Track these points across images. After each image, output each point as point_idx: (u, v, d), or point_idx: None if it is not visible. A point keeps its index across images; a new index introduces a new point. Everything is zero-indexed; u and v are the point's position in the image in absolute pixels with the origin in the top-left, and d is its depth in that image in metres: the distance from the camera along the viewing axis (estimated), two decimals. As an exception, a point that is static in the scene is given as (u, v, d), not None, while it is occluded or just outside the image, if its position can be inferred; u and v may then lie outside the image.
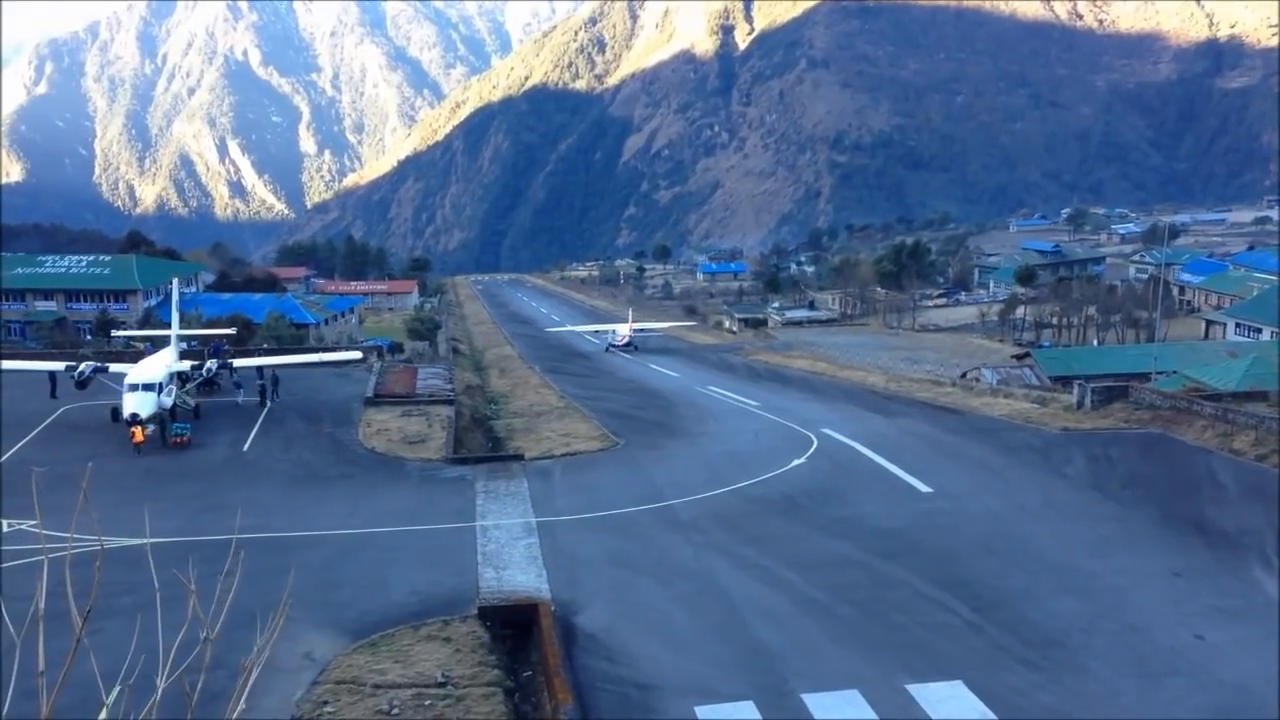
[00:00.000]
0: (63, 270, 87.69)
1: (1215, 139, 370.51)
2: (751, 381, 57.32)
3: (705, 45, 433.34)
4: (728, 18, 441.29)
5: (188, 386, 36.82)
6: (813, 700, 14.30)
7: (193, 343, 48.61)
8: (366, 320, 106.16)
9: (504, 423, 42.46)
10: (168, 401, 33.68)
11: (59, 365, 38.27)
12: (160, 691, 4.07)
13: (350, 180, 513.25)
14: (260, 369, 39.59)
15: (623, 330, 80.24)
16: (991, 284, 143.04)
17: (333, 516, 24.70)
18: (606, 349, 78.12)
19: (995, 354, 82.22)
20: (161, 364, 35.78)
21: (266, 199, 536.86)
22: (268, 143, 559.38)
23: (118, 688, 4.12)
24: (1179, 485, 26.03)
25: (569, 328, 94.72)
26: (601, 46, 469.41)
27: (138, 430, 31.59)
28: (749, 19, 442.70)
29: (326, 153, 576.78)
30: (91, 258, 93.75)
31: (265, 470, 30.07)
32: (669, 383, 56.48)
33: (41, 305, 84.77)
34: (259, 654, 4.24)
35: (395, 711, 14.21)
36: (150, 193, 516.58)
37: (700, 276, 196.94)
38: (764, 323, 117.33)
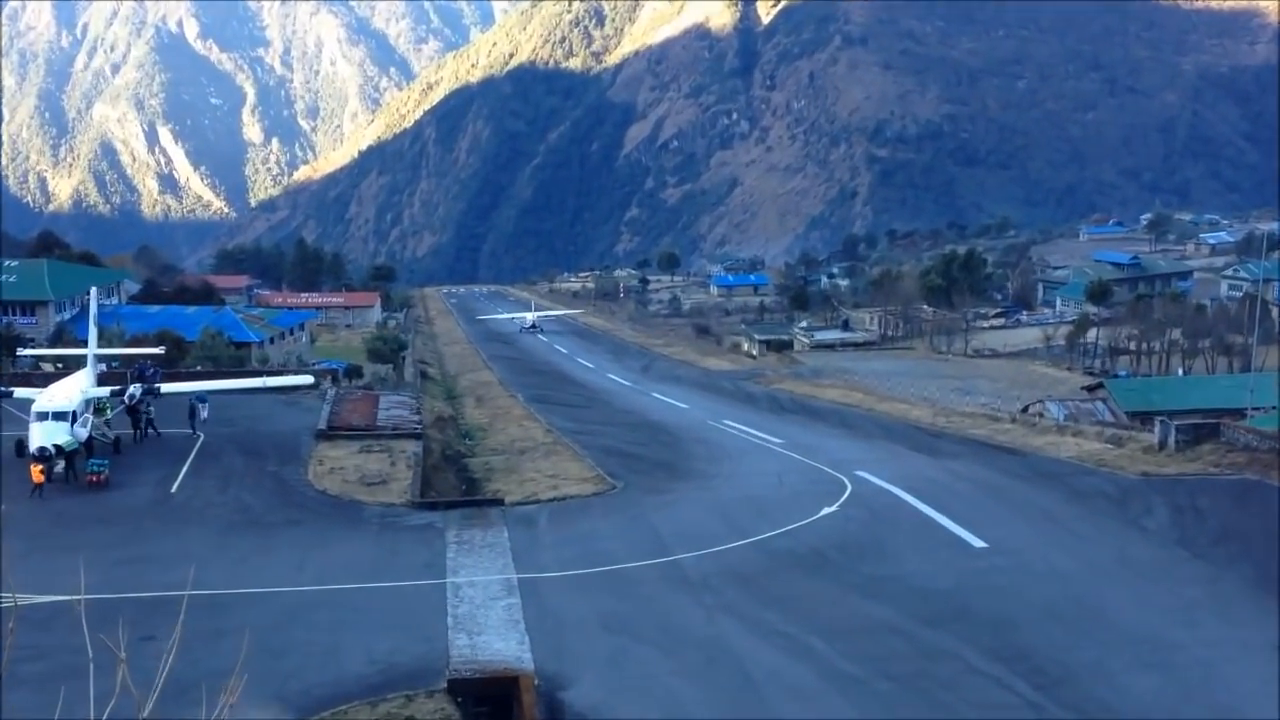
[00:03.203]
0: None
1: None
2: (774, 414, 57.39)
3: (722, 19, 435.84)
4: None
5: (107, 415, 36.86)
6: (844, 794, 14.26)
7: (114, 363, 48.65)
8: (319, 339, 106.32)
9: (481, 461, 42.58)
10: (83, 433, 33.69)
11: None
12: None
13: (302, 174, 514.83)
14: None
15: (530, 317, 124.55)
16: (1058, 302, 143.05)
17: (277, 571, 24.69)
18: (520, 331, 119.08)
19: (1062, 384, 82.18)
20: (76, 389, 35.81)
21: (203, 195, 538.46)
22: (205, 129, 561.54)
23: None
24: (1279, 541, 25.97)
25: (495, 315, 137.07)
26: (600, 19, 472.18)
27: (37, 469, 31.55)
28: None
29: (274, 141, 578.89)
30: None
31: (198, 515, 30.07)
32: (676, 415, 56.55)
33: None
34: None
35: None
36: (66, 187, 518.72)
37: (714, 290, 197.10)
38: (789, 345, 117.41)
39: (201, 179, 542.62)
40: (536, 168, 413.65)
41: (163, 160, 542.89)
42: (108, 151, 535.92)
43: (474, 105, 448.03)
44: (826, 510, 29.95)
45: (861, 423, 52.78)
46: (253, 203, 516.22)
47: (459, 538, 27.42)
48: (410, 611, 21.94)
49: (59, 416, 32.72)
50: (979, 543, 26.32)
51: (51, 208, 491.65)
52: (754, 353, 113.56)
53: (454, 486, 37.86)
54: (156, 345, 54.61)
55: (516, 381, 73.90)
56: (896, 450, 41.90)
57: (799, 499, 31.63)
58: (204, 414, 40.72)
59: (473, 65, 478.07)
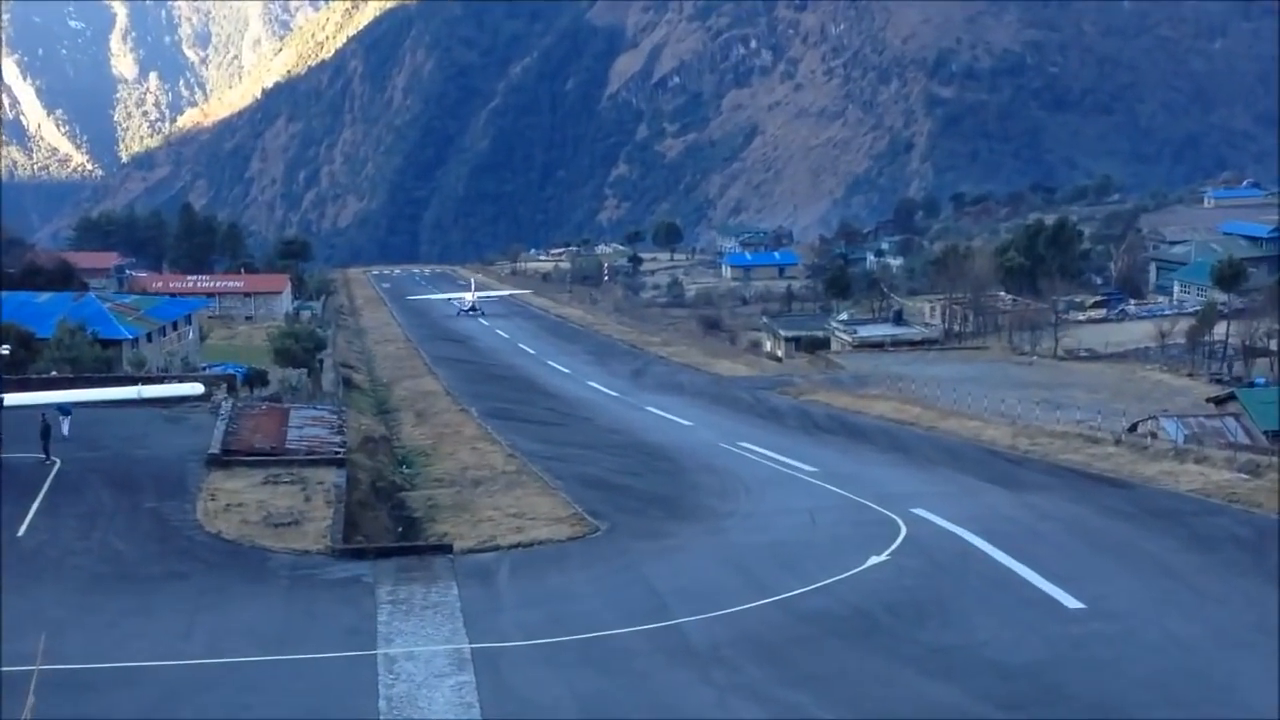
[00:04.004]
0: None
1: None
2: (805, 434, 57.50)
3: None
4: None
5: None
6: None
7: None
8: (212, 335, 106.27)
9: (423, 495, 42.59)
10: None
11: None
12: None
13: (189, 119, 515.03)
14: None
15: (468, 297, 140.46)
16: (1176, 287, 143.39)
17: (157, 639, 24.61)
18: (457, 314, 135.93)
19: (1181, 396, 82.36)
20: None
21: (60, 147, 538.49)
22: (62, 61, 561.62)
23: None
24: None
25: (431, 296, 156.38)
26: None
27: None
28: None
29: (153, 77, 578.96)
30: None
31: (53, 566, 29.96)
32: (678, 435, 56.61)
33: None
34: None
35: None
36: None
37: (727, 272, 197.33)
38: (825, 344, 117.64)
39: (57, 126, 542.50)
40: (494, 112, 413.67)
41: (7, 101, 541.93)
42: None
43: (413, 30, 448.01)
44: (874, 560, 29.95)
45: (919, 445, 52.81)
46: (124, 157, 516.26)
47: (394, 596, 27.37)
48: (330, 692, 21.87)
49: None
50: (1073, 603, 26.31)
51: None
52: (779, 353, 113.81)
53: (388, 528, 37.81)
54: (-1, 343, 54.53)
55: (469, 391, 73.84)
56: (965, 481, 41.97)
57: (838, 545, 31.68)
58: (64, 429, 40.55)
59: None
